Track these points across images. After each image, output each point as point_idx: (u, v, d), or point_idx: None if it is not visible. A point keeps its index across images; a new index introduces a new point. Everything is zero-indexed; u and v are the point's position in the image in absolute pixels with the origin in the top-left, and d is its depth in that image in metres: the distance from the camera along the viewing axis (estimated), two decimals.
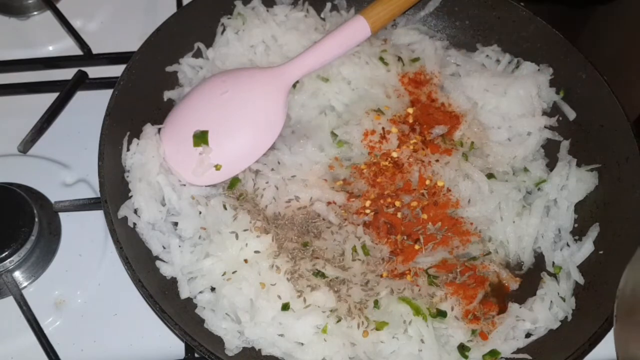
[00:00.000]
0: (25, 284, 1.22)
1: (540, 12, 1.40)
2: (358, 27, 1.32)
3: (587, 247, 1.22)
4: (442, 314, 1.13)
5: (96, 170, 1.13)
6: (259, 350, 1.09)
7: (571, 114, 1.37)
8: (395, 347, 1.08)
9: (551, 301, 1.17)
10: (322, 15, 1.47)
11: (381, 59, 1.38)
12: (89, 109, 1.35)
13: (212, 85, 1.29)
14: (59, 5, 1.57)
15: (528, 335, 1.15)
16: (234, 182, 1.25)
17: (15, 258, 1.19)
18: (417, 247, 1.22)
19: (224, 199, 1.21)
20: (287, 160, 1.28)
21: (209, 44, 1.40)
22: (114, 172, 1.18)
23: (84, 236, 1.28)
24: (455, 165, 1.29)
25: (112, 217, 1.10)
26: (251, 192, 1.24)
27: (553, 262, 1.24)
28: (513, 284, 1.23)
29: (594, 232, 1.23)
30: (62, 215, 1.30)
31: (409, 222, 1.26)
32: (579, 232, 1.27)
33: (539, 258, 1.26)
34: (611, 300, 1.08)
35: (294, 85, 1.32)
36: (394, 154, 1.31)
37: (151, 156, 1.20)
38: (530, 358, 1.11)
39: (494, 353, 1.11)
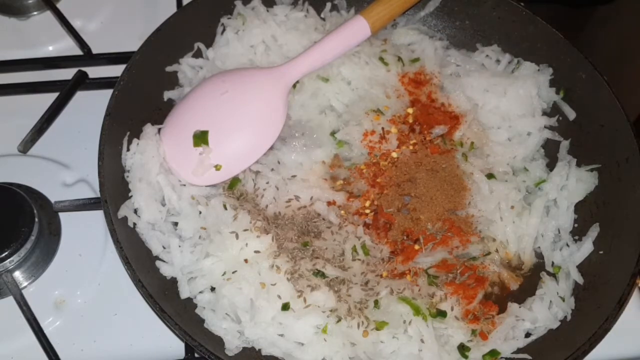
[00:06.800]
0: (25, 284, 1.22)
1: (540, 12, 1.40)
2: (358, 27, 1.32)
3: (586, 247, 1.22)
4: (442, 314, 1.12)
5: (96, 170, 1.13)
6: (259, 350, 1.09)
7: (571, 114, 1.37)
8: (395, 347, 1.08)
9: (550, 301, 1.17)
10: (322, 15, 1.47)
11: (381, 59, 1.38)
12: (89, 109, 1.35)
13: (212, 85, 1.29)
14: (59, 5, 1.57)
15: (528, 335, 1.15)
16: (234, 182, 1.25)
17: (15, 258, 1.19)
18: (417, 247, 1.22)
19: (224, 199, 1.20)
20: (287, 160, 1.28)
21: (209, 44, 1.40)
22: (114, 172, 1.18)
23: (84, 236, 1.28)
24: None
25: (112, 217, 1.10)
26: (251, 192, 1.24)
27: (552, 262, 1.24)
28: (513, 284, 1.23)
29: (594, 232, 1.23)
30: (62, 215, 1.30)
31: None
32: (579, 232, 1.27)
33: (539, 258, 1.26)
34: (611, 301, 1.08)
35: (294, 85, 1.32)
36: (394, 154, 1.31)
37: (151, 156, 1.20)
38: (530, 358, 1.11)
39: (494, 353, 1.11)
